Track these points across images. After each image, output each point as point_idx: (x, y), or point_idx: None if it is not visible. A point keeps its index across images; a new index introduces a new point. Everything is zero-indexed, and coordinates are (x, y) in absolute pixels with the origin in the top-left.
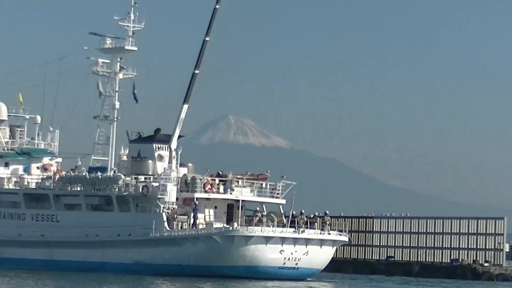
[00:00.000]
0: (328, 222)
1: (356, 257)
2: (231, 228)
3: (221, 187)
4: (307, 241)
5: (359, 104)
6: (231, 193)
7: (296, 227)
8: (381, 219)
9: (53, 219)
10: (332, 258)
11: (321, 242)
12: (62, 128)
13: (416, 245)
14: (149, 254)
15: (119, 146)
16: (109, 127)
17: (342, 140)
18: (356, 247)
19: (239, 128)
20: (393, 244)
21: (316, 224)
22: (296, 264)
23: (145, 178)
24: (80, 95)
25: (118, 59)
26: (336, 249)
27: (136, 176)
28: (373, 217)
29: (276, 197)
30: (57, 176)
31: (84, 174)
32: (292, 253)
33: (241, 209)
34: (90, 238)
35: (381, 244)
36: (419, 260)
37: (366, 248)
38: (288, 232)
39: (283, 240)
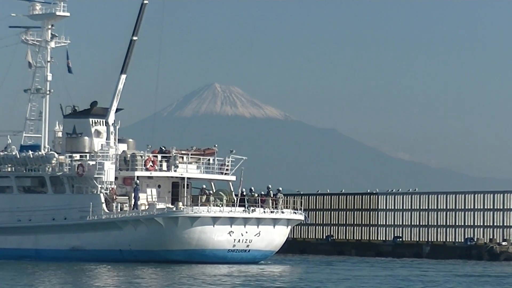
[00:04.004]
0: (281, 200)
1: (359, 238)
2: (174, 209)
3: (164, 164)
4: (259, 221)
5: (361, 69)
6: (175, 171)
7: (246, 206)
8: (386, 195)
9: None
10: (333, 239)
11: (274, 222)
12: None
13: (426, 224)
14: (87, 239)
15: (53, 121)
16: (41, 101)
17: (342, 109)
18: (360, 227)
19: (226, 98)
20: (401, 223)
21: (269, 202)
22: (247, 246)
23: (81, 156)
24: (9, 67)
25: (49, 26)
26: (337, 230)
27: (70, 155)
28: (377, 193)
29: (225, 174)
30: None
31: (14, 153)
32: (242, 235)
33: (187, 188)
34: (22, 223)
35: (387, 224)
36: (429, 240)
37: (371, 228)
38: (237, 212)
39: (232, 221)
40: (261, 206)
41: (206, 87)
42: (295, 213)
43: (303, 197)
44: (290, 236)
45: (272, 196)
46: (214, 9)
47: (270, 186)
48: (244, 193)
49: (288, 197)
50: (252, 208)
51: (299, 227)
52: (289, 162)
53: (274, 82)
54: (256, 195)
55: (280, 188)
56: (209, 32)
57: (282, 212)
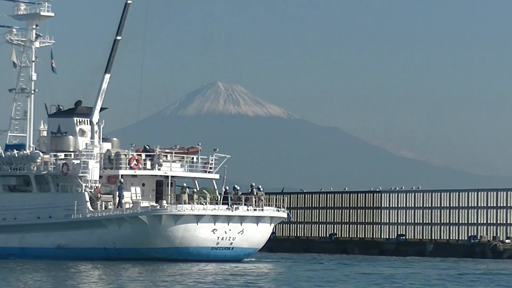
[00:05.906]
0: (262, 198)
1: (363, 236)
2: (158, 207)
3: (148, 163)
4: (242, 219)
5: (364, 68)
6: (159, 169)
7: (230, 204)
8: (390, 193)
9: None
10: (337, 238)
11: (257, 219)
12: None
13: (429, 222)
14: (71, 237)
15: (38, 121)
16: (26, 100)
17: (345, 108)
18: (363, 226)
19: (229, 96)
20: (404, 221)
21: (252, 200)
22: (231, 243)
23: (65, 155)
24: None
25: (34, 26)
26: (341, 228)
27: (55, 154)
28: (381, 191)
29: (209, 172)
30: None
31: None
32: (226, 232)
33: (171, 186)
34: (8, 221)
35: (390, 222)
36: (433, 238)
37: (374, 226)
38: (221, 210)
39: (215, 218)
40: (245, 204)
41: (209, 85)
42: (278, 211)
43: (306, 195)
44: (293, 235)
45: (255, 194)
46: (218, 7)
47: (253, 184)
48: (228, 191)
49: (291, 195)
50: (235, 206)
51: (303, 225)
52: (292, 160)
53: (277, 81)
54: (240, 193)
55: (260, 186)
56: (212, 31)
57: (263, 210)
